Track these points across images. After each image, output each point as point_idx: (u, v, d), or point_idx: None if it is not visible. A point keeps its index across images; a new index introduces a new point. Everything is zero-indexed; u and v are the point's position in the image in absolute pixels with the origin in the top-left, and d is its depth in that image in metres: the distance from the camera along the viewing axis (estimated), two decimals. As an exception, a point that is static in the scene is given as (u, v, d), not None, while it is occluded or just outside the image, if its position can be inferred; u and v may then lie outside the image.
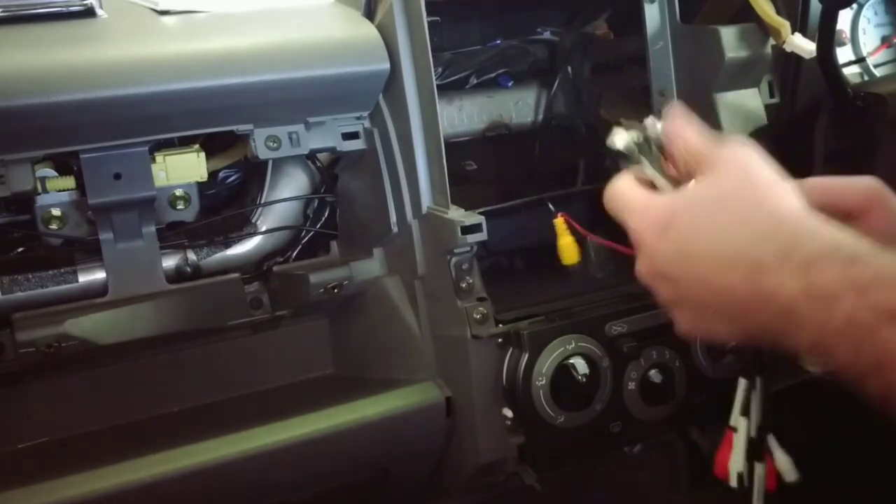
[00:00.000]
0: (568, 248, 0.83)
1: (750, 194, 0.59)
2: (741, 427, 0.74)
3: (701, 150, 0.64)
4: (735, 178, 0.60)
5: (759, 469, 0.74)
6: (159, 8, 0.93)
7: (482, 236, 0.82)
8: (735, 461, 0.74)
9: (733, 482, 0.74)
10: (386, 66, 0.87)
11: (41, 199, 0.86)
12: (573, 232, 0.84)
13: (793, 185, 0.60)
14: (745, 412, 0.74)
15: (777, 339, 0.56)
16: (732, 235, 0.58)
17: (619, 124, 0.77)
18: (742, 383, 0.74)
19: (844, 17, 1.16)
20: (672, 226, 0.61)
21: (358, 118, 0.92)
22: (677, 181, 0.67)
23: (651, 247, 0.62)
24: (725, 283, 0.57)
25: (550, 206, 0.91)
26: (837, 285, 0.51)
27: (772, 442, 0.75)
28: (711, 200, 0.60)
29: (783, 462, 0.74)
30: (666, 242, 0.61)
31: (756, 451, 0.74)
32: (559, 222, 0.84)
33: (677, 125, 0.67)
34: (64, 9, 0.88)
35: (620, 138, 0.72)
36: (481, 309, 0.84)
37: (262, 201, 0.97)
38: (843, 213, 0.65)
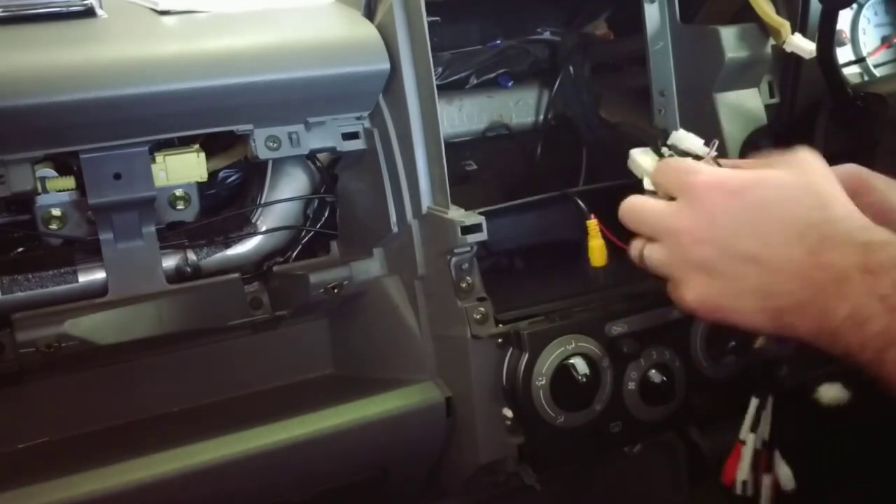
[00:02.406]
0: (598, 251, 0.83)
1: (827, 185, 0.65)
2: (749, 441, 0.79)
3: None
4: (811, 170, 0.66)
5: (766, 479, 0.79)
6: (159, 8, 0.93)
7: (482, 236, 0.82)
8: (741, 471, 0.79)
9: (738, 490, 0.79)
10: (386, 66, 0.87)
11: (41, 199, 0.86)
12: (604, 235, 0.86)
13: None
14: (754, 428, 0.79)
15: (808, 316, 0.60)
16: (809, 213, 0.62)
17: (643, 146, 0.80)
18: (753, 401, 0.78)
19: (844, 17, 1.16)
20: (750, 190, 0.65)
21: (358, 118, 0.92)
22: None
23: (718, 203, 0.65)
24: (789, 252, 0.62)
25: (581, 203, 0.91)
26: (889, 262, 0.57)
27: (776, 455, 0.79)
28: (791, 182, 0.65)
29: (784, 473, 0.79)
30: (739, 201, 0.65)
31: (763, 462, 0.79)
32: (592, 224, 0.84)
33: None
34: (64, 9, 0.88)
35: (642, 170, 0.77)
36: (481, 309, 0.84)
37: (262, 201, 0.97)
38: None
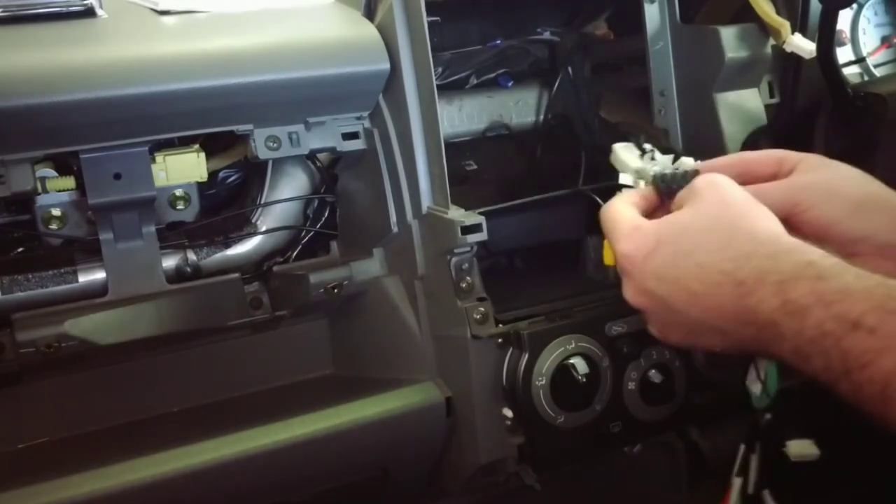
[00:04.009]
0: (610, 249, 0.83)
1: (728, 218, 0.64)
2: (735, 486, 0.82)
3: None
4: (714, 204, 0.66)
5: None
6: (159, 8, 0.93)
7: (482, 236, 0.82)
8: None
9: None
10: (386, 66, 0.87)
11: (41, 199, 0.86)
12: None
13: (765, 208, 0.65)
14: (741, 473, 0.82)
15: (763, 349, 0.61)
16: (716, 258, 0.63)
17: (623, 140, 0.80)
18: (741, 448, 0.81)
19: (844, 17, 1.16)
20: (658, 250, 0.66)
21: (358, 118, 0.92)
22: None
23: (638, 269, 0.68)
24: (715, 302, 0.62)
25: (598, 199, 0.91)
26: (808, 300, 0.56)
27: (767, 497, 0.82)
28: (694, 225, 0.66)
29: None
30: (652, 265, 0.67)
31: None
32: None
33: None
34: (64, 9, 0.88)
35: (625, 171, 0.76)
36: (481, 309, 0.84)
37: (262, 201, 0.97)
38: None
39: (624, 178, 0.80)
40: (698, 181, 0.69)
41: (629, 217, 0.71)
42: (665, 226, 0.68)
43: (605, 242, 0.84)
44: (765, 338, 0.60)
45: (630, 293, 0.70)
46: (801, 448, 0.80)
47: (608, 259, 0.84)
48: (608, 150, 0.84)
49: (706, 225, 0.65)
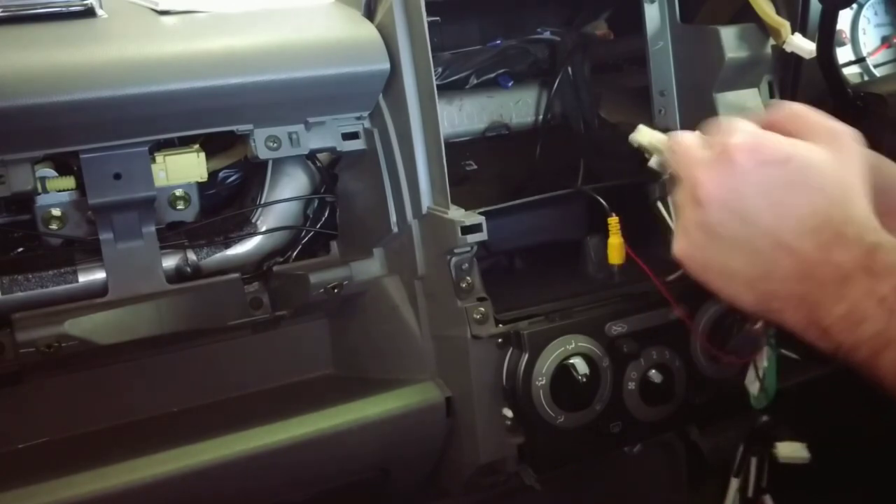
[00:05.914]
0: (617, 248, 0.83)
1: (857, 180, 0.62)
2: (732, 486, 0.79)
3: (814, 118, 0.66)
4: (851, 161, 0.63)
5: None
6: (159, 8, 0.93)
7: (482, 236, 0.82)
8: None
9: None
10: (386, 66, 0.87)
11: (41, 199, 0.86)
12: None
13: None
14: (738, 474, 0.79)
15: (799, 306, 0.60)
16: (830, 208, 0.60)
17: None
18: (740, 449, 0.79)
19: (844, 17, 1.16)
20: (784, 165, 0.62)
21: (358, 118, 0.92)
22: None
23: (748, 169, 0.62)
24: (799, 242, 0.60)
25: (604, 202, 0.90)
26: (893, 265, 0.57)
27: (768, 501, 0.84)
28: (827, 168, 0.62)
29: None
30: (768, 173, 0.62)
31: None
32: (613, 221, 0.85)
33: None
34: (64, 9, 0.88)
35: (643, 136, 0.75)
36: (481, 309, 0.84)
37: (262, 201, 0.97)
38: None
39: (649, 139, 0.77)
40: (844, 129, 0.65)
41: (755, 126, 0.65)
42: (795, 151, 0.62)
43: (610, 241, 0.84)
44: (818, 296, 0.59)
45: (713, 192, 0.63)
46: (790, 450, 0.80)
47: (613, 258, 0.84)
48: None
49: (835, 173, 0.62)
